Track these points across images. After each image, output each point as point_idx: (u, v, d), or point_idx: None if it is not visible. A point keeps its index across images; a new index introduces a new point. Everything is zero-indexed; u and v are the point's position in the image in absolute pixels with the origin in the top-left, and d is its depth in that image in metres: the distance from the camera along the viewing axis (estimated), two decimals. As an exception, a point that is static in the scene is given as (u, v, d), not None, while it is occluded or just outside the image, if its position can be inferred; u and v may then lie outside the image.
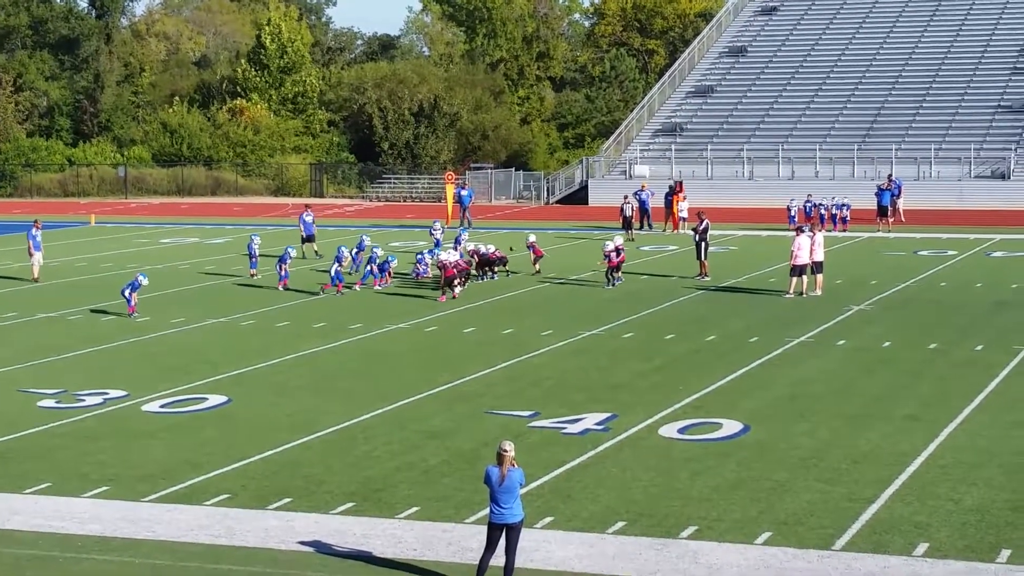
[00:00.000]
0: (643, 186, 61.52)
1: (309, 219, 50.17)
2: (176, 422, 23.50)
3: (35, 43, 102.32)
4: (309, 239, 49.64)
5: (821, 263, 38.33)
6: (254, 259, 43.40)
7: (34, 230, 44.70)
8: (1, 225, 65.51)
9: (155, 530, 17.39)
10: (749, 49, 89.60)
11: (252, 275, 43.19)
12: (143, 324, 34.25)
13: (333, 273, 39.28)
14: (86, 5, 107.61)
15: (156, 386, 26.26)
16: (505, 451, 14.91)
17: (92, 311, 36.56)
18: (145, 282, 36.23)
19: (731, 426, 22.44)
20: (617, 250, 40.20)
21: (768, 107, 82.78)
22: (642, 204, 59.51)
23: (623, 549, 16.49)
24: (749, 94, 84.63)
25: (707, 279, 41.30)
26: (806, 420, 22.89)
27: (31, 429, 22.91)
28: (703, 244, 41.84)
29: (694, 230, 42.38)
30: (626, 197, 57.38)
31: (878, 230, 57.19)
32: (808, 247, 37.79)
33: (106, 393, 25.68)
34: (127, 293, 35.59)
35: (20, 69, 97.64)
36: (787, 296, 37.49)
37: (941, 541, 16.57)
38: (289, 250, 41.57)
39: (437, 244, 46.72)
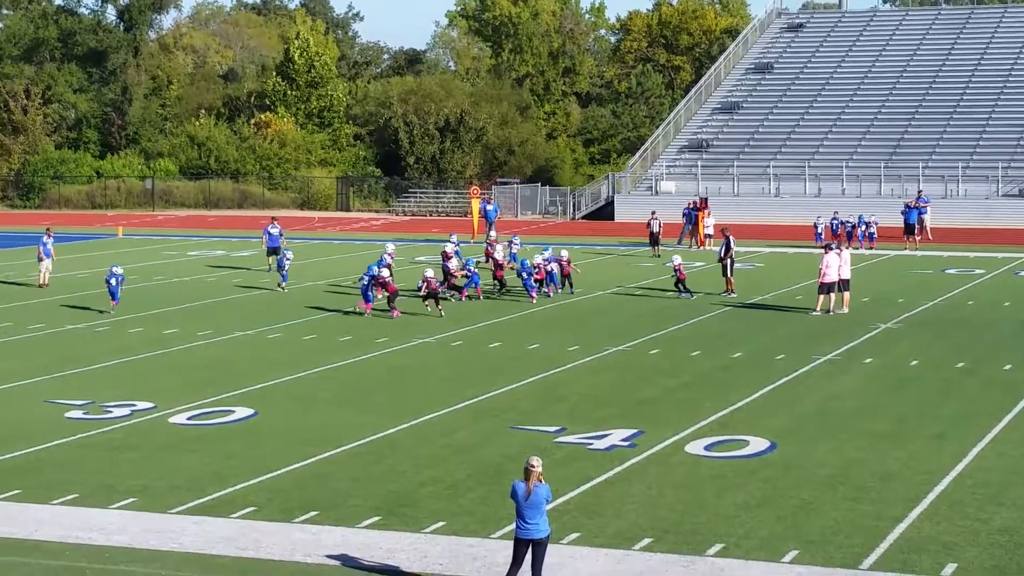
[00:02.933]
0: (689, 204, 61.23)
1: (275, 231, 49.97)
2: (203, 434, 23.54)
3: (64, 55, 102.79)
4: (273, 251, 49.25)
5: (848, 281, 38.24)
6: (284, 272, 43.63)
7: (45, 238, 45.28)
8: (31, 237, 65.74)
9: (182, 542, 17.42)
10: (776, 66, 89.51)
11: (282, 288, 43.27)
12: (170, 336, 34.35)
13: (363, 289, 38.58)
14: (115, 18, 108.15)
15: (183, 398, 26.33)
16: (532, 466, 14.90)
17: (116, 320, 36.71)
18: (118, 270, 38.96)
19: (758, 443, 22.38)
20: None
21: (795, 124, 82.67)
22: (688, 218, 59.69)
23: (649, 566, 16.45)
24: (775, 111, 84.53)
25: (733, 295, 41.26)
26: (833, 438, 22.82)
27: (59, 440, 22.98)
28: (728, 261, 41.83)
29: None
30: (653, 213, 57.32)
31: (905, 248, 57.05)
32: (836, 265, 37.70)
33: (133, 405, 25.74)
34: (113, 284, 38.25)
35: (49, 81, 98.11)
36: (814, 314, 37.39)
37: (969, 561, 16.49)
38: (287, 253, 44.10)
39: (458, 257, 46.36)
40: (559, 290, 41.90)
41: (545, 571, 15.10)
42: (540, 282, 41.27)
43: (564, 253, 42.77)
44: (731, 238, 42.26)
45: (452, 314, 38.06)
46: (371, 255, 47.74)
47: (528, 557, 14.98)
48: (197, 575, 16.25)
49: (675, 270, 41.82)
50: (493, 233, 56.22)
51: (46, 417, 24.84)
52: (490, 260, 44.07)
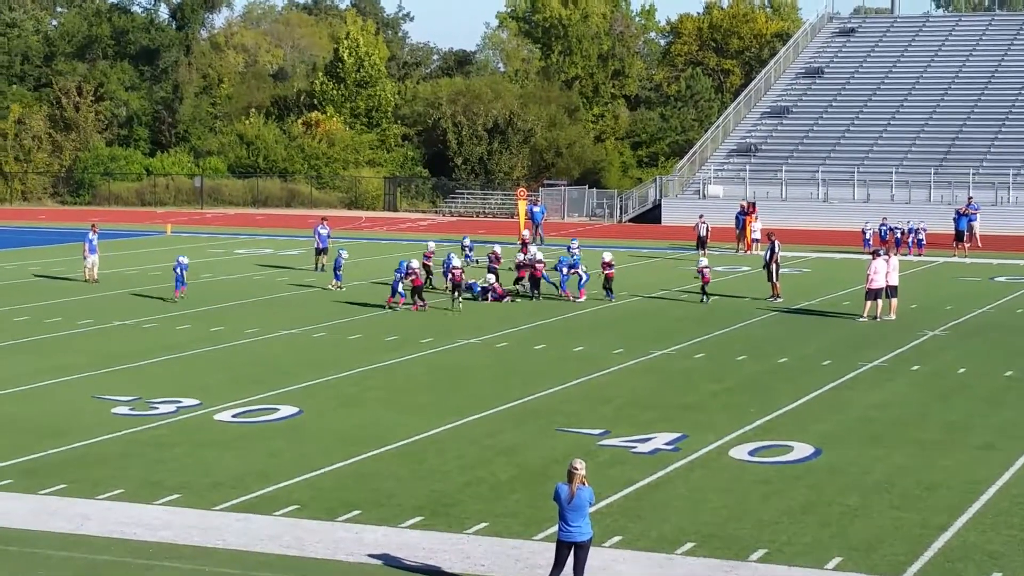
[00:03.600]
0: (742, 205, 61.03)
1: (324, 232, 50.19)
2: (248, 432, 23.64)
3: (116, 53, 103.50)
4: (322, 251, 49.49)
5: (896, 287, 38.01)
6: (339, 271, 43.91)
7: (91, 234, 45.80)
8: (80, 233, 66.21)
9: (225, 539, 17.49)
10: (826, 70, 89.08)
11: (337, 287, 43.51)
12: (217, 333, 34.51)
13: (397, 285, 39.24)
14: (167, 17, 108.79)
15: (228, 396, 26.44)
16: (576, 469, 14.88)
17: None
18: (184, 260, 40.88)
19: (802, 449, 22.28)
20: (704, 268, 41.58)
21: (844, 129, 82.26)
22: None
23: (692, 571, 16.41)
24: (825, 116, 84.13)
25: (779, 300, 41.11)
26: (879, 445, 22.69)
27: (105, 436, 23.13)
28: (774, 265, 41.68)
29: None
30: (701, 216, 57.12)
31: (954, 255, 56.67)
32: (884, 271, 37.49)
33: (179, 401, 25.88)
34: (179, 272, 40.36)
35: (101, 79, 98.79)
36: (861, 320, 37.19)
37: (1014, 571, 16.36)
38: (342, 252, 44.16)
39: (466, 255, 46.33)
40: (563, 294, 41.64)
41: (587, 574, 15.08)
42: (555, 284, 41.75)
43: (607, 256, 42.53)
44: (776, 243, 42.14)
45: (497, 315, 38.09)
46: (417, 255, 47.78)
47: (570, 560, 14.97)
48: (240, 572, 16.32)
49: (699, 272, 41.55)
50: (526, 233, 56.15)
51: (93, 413, 25.01)
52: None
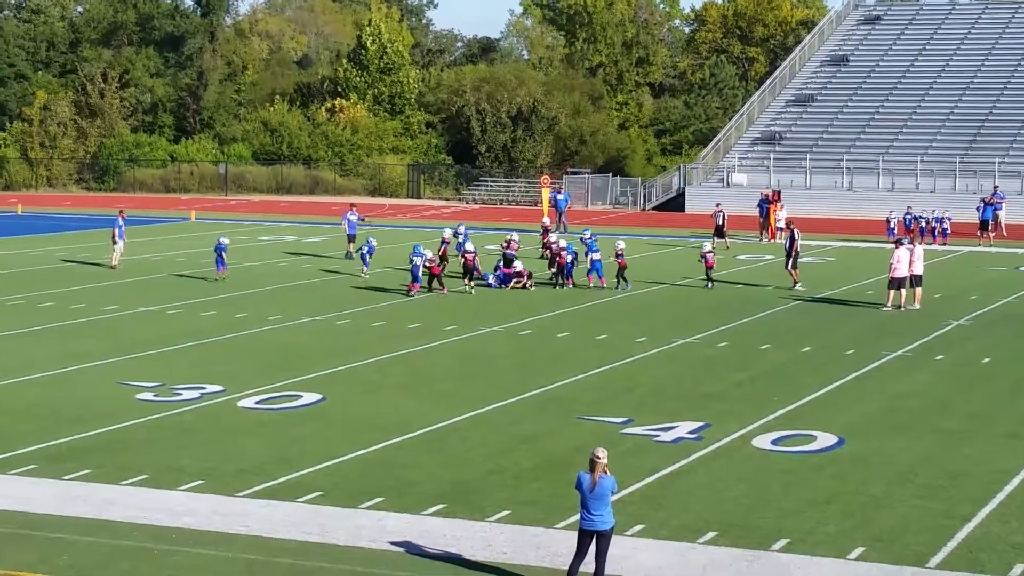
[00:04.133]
0: (764, 194, 60.89)
1: (354, 219, 50.29)
2: (271, 419, 23.70)
3: (141, 40, 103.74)
4: (351, 239, 49.58)
5: (920, 276, 37.89)
6: (366, 259, 44.09)
7: (120, 220, 45.94)
8: (105, 219, 66.47)
9: (248, 525, 17.54)
10: (851, 58, 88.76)
11: (365, 274, 43.68)
12: (240, 320, 34.60)
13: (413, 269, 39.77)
14: (192, 3, 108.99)
15: (252, 382, 26.51)
16: (598, 457, 14.88)
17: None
18: (225, 240, 42.99)
19: (826, 439, 22.23)
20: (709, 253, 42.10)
21: (869, 117, 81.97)
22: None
23: (714, 560, 16.39)
24: (850, 104, 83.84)
25: (801, 288, 41.00)
26: (902, 435, 22.63)
27: (129, 421, 23.21)
28: (794, 254, 41.65)
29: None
30: (718, 205, 57.07)
31: (979, 244, 56.45)
32: (907, 260, 37.37)
33: (203, 388, 25.95)
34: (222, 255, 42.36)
35: (126, 65, 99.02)
36: (885, 309, 37.09)
37: (1039, 562, 16.31)
38: (371, 240, 44.56)
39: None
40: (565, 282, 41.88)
41: (609, 562, 15.08)
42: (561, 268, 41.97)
43: (620, 243, 42.49)
44: (796, 231, 42.13)
45: (520, 303, 38.10)
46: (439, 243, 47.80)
47: (592, 548, 14.97)
48: (263, 558, 16.36)
49: (703, 257, 42.25)
50: (547, 220, 56.13)
51: (118, 398, 25.11)
52: (548, 249, 44.10)
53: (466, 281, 40.33)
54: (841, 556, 16.46)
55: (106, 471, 19.97)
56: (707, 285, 41.49)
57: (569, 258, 41.79)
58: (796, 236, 41.92)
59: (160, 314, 35.84)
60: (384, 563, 16.19)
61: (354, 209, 51.39)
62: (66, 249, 51.92)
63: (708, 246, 43.36)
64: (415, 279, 39.52)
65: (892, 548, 16.75)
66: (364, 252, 43.92)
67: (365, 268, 43.88)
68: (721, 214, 55.60)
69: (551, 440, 22.18)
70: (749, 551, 16.64)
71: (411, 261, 39.88)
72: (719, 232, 54.99)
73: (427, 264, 39.74)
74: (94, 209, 73.98)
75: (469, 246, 41.40)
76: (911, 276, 37.62)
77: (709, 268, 41.90)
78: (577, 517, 15.28)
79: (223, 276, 42.30)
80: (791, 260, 41.70)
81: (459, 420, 23.51)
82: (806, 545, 16.85)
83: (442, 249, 44.42)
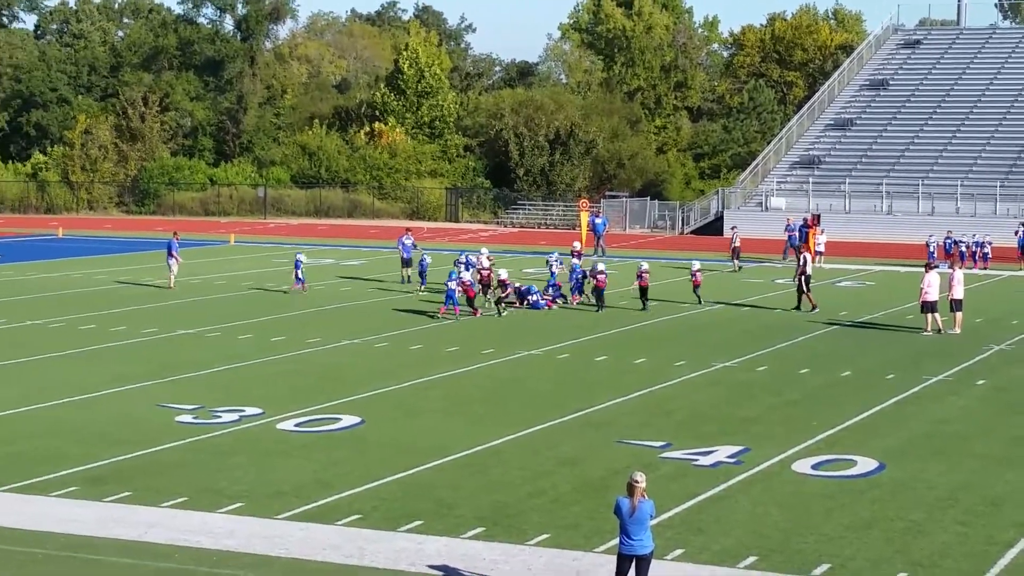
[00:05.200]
0: (803, 219, 60.74)
1: (408, 243, 50.35)
2: (309, 441, 23.74)
3: (182, 64, 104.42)
4: (407, 263, 49.71)
5: (960, 301, 37.67)
6: (424, 276, 46.17)
7: (174, 241, 46.54)
8: (145, 242, 66.85)
9: (288, 547, 17.57)
10: (891, 82, 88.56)
11: (421, 290, 45.41)
12: (279, 343, 34.69)
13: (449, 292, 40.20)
14: (232, 28, 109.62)
15: (291, 405, 26.57)
16: (637, 482, 14.83)
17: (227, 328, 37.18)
18: (302, 258, 45.54)
19: (866, 463, 22.12)
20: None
21: (909, 141, 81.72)
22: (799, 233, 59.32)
23: (754, 584, 16.32)
24: (890, 128, 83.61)
25: (816, 310, 41.30)
26: (944, 460, 22.49)
27: (169, 444, 23.29)
28: (803, 278, 42.05)
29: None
30: (734, 228, 57.59)
31: (1020, 269, 56.12)
32: (938, 284, 37.23)
33: (242, 410, 26.03)
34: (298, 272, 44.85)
35: (167, 89, 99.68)
36: (925, 334, 36.90)
37: (1082, 589, 16.17)
38: (426, 258, 46.94)
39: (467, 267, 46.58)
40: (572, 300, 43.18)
41: (648, 587, 15.02)
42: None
43: (644, 264, 42.62)
44: (806, 256, 43.03)
45: (558, 327, 38.09)
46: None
47: (631, 572, 14.92)
48: (302, 581, 16.38)
49: (692, 275, 43.22)
50: (577, 244, 56.05)
51: (157, 420, 25.20)
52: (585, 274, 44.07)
53: (486, 295, 41.67)
54: (882, 582, 16.35)
55: (146, 493, 20.03)
56: (699, 301, 42.75)
57: (579, 275, 43.57)
58: (806, 261, 42.47)
59: (199, 337, 35.99)
60: (423, 586, 16.18)
61: (409, 233, 51.39)
62: (106, 272, 52.18)
63: (696, 264, 44.02)
64: (450, 300, 39.52)
65: (933, 574, 16.63)
66: (420, 269, 46.13)
67: (422, 285, 45.88)
68: (737, 237, 56.27)
69: (590, 464, 22.14)
70: (789, 576, 16.55)
71: (447, 285, 40.03)
72: (735, 254, 55.52)
73: (462, 286, 39.94)
74: (135, 232, 74.40)
75: (485, 263, 42.68)
76: (951, 300, 37.42)
77: (697, 287, 43.01)
78: (616, 541, 15.23)
79: (299, 290, 45.01)
80: (801, 284, 41.90)
81: (498, 443, 23.50)
82: (847, 571, 16.75)
83: (485, 274, 44.31)
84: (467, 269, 42.27)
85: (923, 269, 39.33)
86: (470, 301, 40.25)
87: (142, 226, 79.27)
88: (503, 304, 40.90)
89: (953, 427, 25.23)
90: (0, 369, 30.80)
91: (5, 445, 23.16)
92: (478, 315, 39.89)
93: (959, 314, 37.54)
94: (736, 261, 55.72)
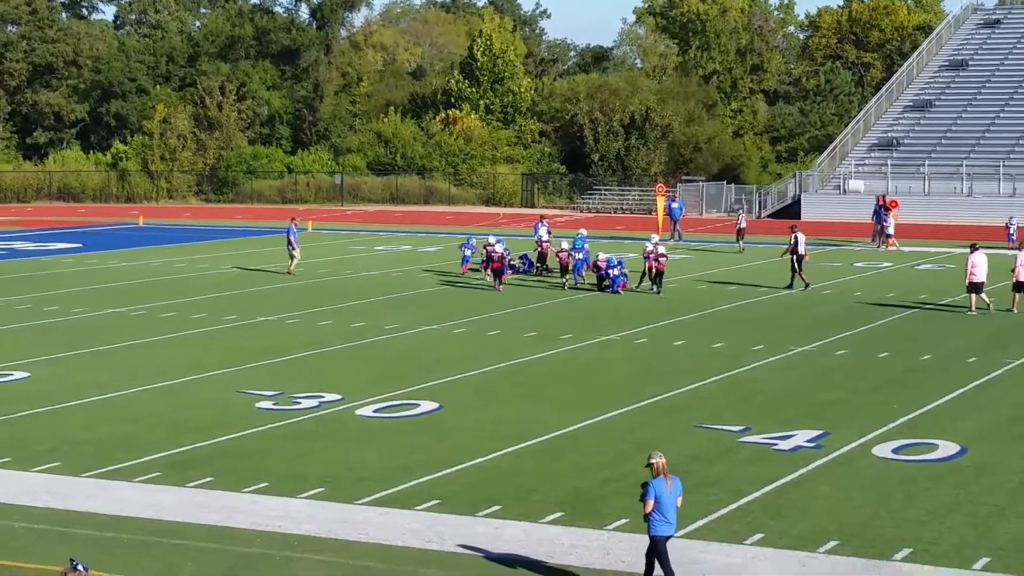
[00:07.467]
0: (880, 200, 60.21)
1: (543, 230, 49.78)
2: (389, 427, 23.87)
3: (258, 53, 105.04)
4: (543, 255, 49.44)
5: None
6: (578, 269, 45.86)
7: (293, 227, 47.67)
8: (223, 230, 67.38)
9: (368, 532, 17.69)
10: (970, 63, 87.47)
11: (573, 282, 45.49)
12: (358, 329, 34.87)
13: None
14: (307, 17, 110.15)
15: (370, 391, 26.72)
16: (656, 460, 15.21)
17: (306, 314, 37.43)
18: (469, 251, 47.08)
19: (947, 447, 21.93)
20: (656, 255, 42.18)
21: (989, 122, 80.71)
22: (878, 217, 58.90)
23: (835, 569, 16.24)
24: (969, 108, 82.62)
25: (802, 289, 41.89)
26: (1026, 444, 22.26)
27: (250, 430, 23.51)
28: (795, 257, 42.31)
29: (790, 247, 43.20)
30: (739, 210, 57.73)
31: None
32: (984, 264, 37.29)
33: (322, 396, 26.21)
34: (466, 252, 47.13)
35: (244, 78, 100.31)
36: (970, 313, 36.86)
37: None
38: (471, 239, 48.26)
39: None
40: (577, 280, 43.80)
41: (728, 572, 14.99)
42: (564, 268, 44.39)
43: (661, 248, 42.64)
44: (799, 235, 42.78)
45: (635, 311, 38.02)
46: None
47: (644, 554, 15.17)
48: (382, 566, 16.49)
49: (650, 257, 42.16)
50: (655, 237, 55.97)
51: (237, 407, 25.44)
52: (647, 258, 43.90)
53: (492, 276, 43.10)
54: (965, 567, 16.23)
55: (227, 479, 20.24)
56: (653, 288, 41.74)
57: (579, 256, 44.08)
58: (799, 239, 42.51)
59: (278, 324, 36.25)
60: (503, 572, 16.23)
61: (544, 220, 50.84)
62: (186, 260, 52.67)
63: (662, 248, 42.64)
64: (465, 261, 45.68)
65: (1018, 558, 16.48)
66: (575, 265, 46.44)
67: (576, 276, 46.07)
68: (743, 218, 56.48)
69: (668, 448, 21.96)
70: (871, 561, 16.46)
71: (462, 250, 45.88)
72: (740, 236, 55.44)
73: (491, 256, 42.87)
74: (213, 220, 75.00)
75: (498, 247, 43.29)
76: (1015, 282, 37.40)
77: (660, 272, 41.77)
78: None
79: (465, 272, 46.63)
80: (793, 262, 42.34)
81: (576, 428, 23.52)
82: (929, 556, 16.64)
83: (542, 247, 47.14)
84: (498, 243, 43.83)
85: (968, 250, 39.07)
86: (496, 272, 42.82)
87: (221, 214, 79.89)
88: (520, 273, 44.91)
89: (1036, 411, 24.96)
90: (82, 356, 31.20)
91: (87, 431, 23.48)
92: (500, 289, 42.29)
93: (1019, 295, 37.53)
94: (740, 243, 55.75)
